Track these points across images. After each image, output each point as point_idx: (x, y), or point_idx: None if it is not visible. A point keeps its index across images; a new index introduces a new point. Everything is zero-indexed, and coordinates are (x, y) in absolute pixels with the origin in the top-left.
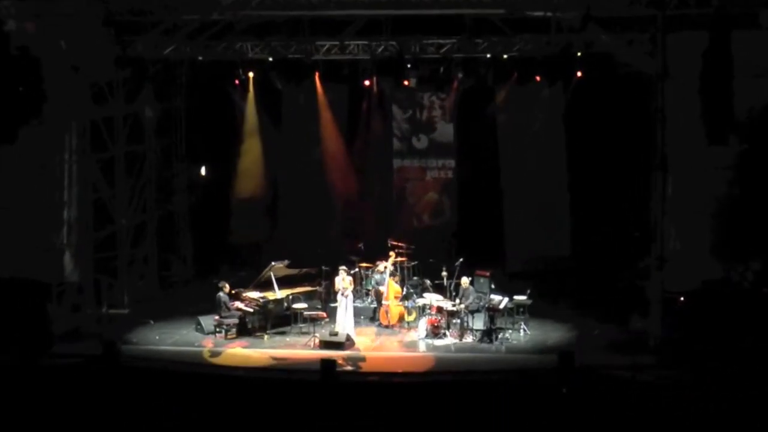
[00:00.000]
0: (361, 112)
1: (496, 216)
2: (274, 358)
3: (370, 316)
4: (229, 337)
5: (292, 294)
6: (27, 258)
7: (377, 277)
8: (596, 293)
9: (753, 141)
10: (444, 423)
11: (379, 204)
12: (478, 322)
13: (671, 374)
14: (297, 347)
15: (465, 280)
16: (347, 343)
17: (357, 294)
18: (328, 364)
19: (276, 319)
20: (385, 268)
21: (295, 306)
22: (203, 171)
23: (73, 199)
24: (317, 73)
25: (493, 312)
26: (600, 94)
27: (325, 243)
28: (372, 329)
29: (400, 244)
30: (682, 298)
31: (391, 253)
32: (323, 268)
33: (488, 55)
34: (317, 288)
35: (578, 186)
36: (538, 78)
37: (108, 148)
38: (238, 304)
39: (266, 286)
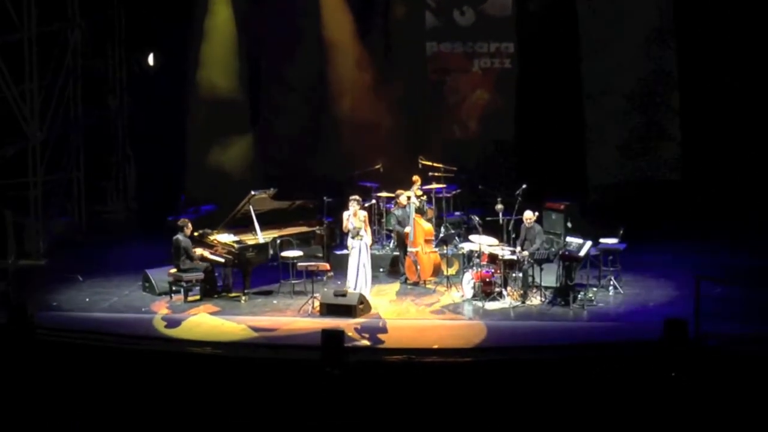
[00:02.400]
0: None
1: (574, 123)
2: (256, 329)
3: (394, 267)
4: (191, 299)
5: (280, 237)
6: None
7: (399, 212)
8: (718, 235)
9: None
10: (499, 418)
11: (405, 106)
12: (549, 277)
13: None
14: (288, 313)
15: (529, 216)
16: (360, 307)
17: (374, 237)
18: (333, 337)
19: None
20: (409, 199)
21: (286, 254)
22: (150, 60)
23: None
24: None
25: (569, 262)
26: None
27: (327, 163)
28: (396, 287)
29: (435, 164)
30: None
31: (416, 178)
32: (325, 199)
33: None
34: (316, 228)
35: (692, 81)
36: None
37: (14, 28)
38: (204, 251)
39: (244, 225)
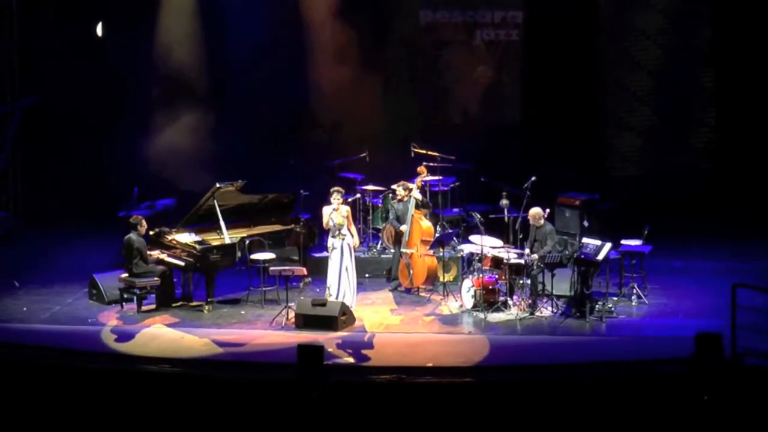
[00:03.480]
0: None
1: (591, 106)
2: (221, 344)
3: (381, 272)
4: (145, 308)
5: (249, 236)
6: None
7: (397, 206)
8: (758, 235)
9: None
10: None
11: (394, 86)
12: (562, 284)
13: None
14: (259, 326)
15: (537, 213)
16: (343, 318)
17: (360, 236)
18: (312, 353)
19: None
20: (409, 192)
21: (256, 257)
22: (99, 30)
23: None
24: None
25: (586, 266)
26: None
27: (303, 150)
28: (385, 295)
29: (429, 153)
30: None
31: (422, 168)
32: (302, 192)
33: None
34: (292, 226)
35: (728, 55)
36: None
37: None
38: (161, 253)
39: (207, 222)
